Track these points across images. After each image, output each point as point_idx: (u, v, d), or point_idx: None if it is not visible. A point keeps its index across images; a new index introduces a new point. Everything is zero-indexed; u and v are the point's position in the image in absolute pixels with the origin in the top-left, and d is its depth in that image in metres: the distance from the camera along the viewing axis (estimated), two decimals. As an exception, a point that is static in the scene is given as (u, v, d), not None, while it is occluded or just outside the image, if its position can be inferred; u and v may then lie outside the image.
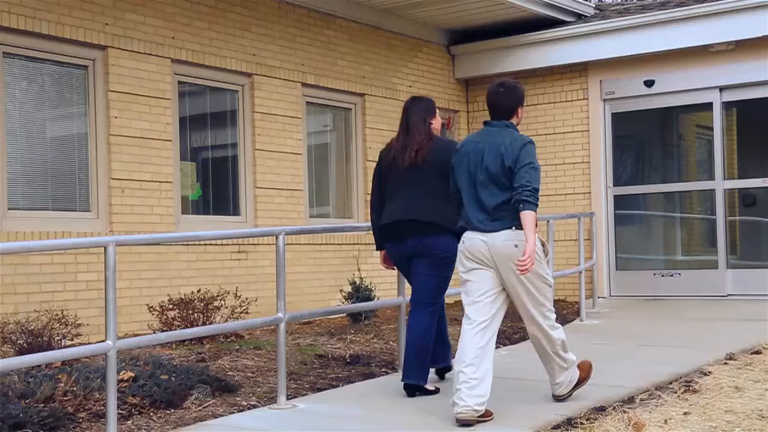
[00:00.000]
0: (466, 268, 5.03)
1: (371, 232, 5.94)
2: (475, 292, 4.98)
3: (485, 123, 5.16)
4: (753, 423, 4.45)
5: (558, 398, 5.23)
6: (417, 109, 5.77)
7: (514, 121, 5.14)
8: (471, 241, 4.98)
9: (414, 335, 5.57)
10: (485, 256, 4.94)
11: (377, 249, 5.94)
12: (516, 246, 4.85)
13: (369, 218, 6.04)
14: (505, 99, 5.12)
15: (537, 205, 4.84)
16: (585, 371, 5.32)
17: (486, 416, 4.79)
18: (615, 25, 10.70)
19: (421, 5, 10.41)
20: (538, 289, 4.99)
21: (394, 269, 6.01)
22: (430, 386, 5.61)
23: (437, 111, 5.90)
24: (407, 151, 5.64)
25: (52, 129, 7.94)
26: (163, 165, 8.37)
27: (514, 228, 4.87)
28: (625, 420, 4.49)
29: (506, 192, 4.90)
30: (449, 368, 5.94)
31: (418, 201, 5.56)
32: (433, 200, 5.54)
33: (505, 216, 4.90)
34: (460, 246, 5.08)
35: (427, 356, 5.59)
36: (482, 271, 4.97)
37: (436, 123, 5.83)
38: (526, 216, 4.78)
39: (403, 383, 5.56)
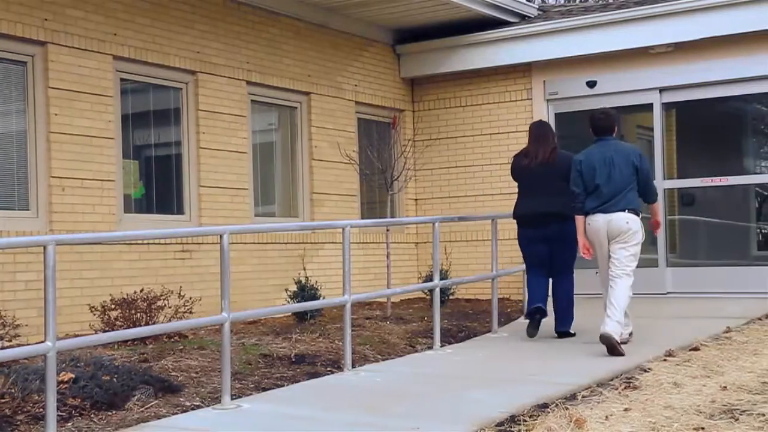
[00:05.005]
0: (592, 242, 7.03)
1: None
2: (600, 259, 7.05)
3: (599, 139, 7.15)
4: (691, 418, 4.54)
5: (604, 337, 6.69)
6: (545, 128, 7.91)
7: (614, 135, 7.20)
8: (596, 223, 6.97)
9: (560, 293, 7.71)
10: (606, 231, 6.92)
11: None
12: (627, 223, 6.88)
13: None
14: (606, 122, 7.18)
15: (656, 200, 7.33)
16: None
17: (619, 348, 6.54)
18: (558, 26, 10.82)
19: (367, 4, 10.41)
20: (633, 255, 6.91)
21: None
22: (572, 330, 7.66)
23: None
24: (540, 152, 7.61)
25: (-10, 126, 7.78)
26: (105, 163, 8.25)
27: (626, 211, 6.90)
28: (566, 416, 4.54)
29: (628, 186, 6.92)
30: (570, 334, 7.65)
31: (549, 198, 7.45)
32: (558, 197, 7.37)
33: (622, 202, 6.92)
34: (587, 226, 7.02)
35: (571, 308, 7.64)
36: (603, 244, 6.97)
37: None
38: (656, 205, 7.44)
39: (556, 332, 7.63)
